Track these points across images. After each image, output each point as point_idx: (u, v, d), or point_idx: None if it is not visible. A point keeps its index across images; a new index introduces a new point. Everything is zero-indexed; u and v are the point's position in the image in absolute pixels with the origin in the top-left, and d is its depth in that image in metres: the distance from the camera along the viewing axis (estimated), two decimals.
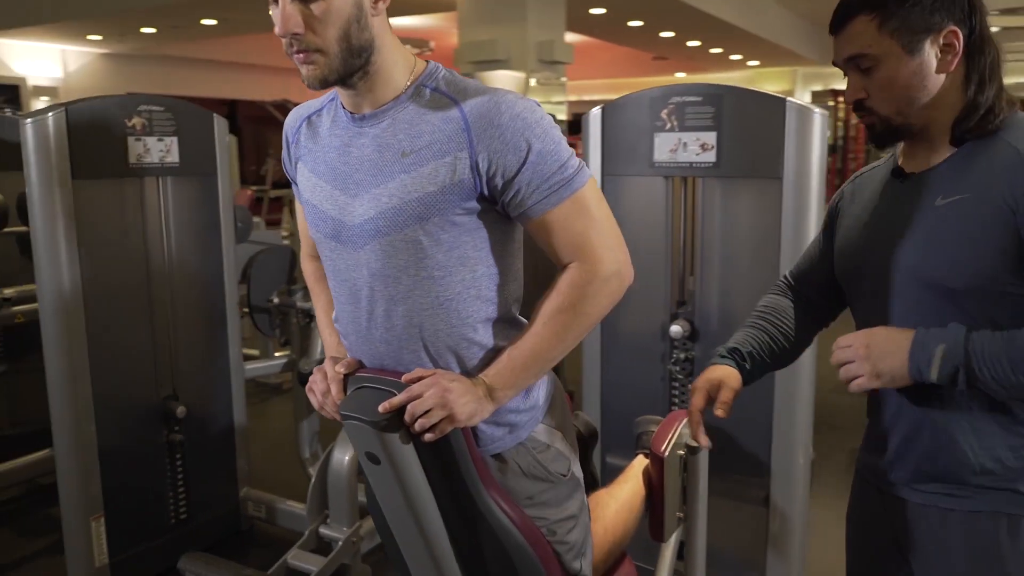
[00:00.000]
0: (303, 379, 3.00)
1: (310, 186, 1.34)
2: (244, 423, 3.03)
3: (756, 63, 14.26)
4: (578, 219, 1.23)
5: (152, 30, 9.64)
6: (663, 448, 1.79)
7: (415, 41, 10.64)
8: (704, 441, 1.43)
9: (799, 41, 11.73)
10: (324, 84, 1.20)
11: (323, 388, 1.32)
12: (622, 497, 1.76)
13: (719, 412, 1.35)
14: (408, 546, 1.40)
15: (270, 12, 1.17)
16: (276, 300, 3.20)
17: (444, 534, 1.34)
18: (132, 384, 2.64)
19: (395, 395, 1.21)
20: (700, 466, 1.82)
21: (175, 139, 2.65)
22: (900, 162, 1.28)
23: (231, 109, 12.78)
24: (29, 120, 2.31)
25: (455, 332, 1.26)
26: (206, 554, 2.57)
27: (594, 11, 8.34)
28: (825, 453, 3.66)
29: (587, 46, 10.97)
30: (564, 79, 7.47)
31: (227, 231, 2.87)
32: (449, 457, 1.27)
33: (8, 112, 3.49)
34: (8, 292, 3.18)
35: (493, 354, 1.28)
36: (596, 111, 2.45)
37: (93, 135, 2.43)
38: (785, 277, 1.56)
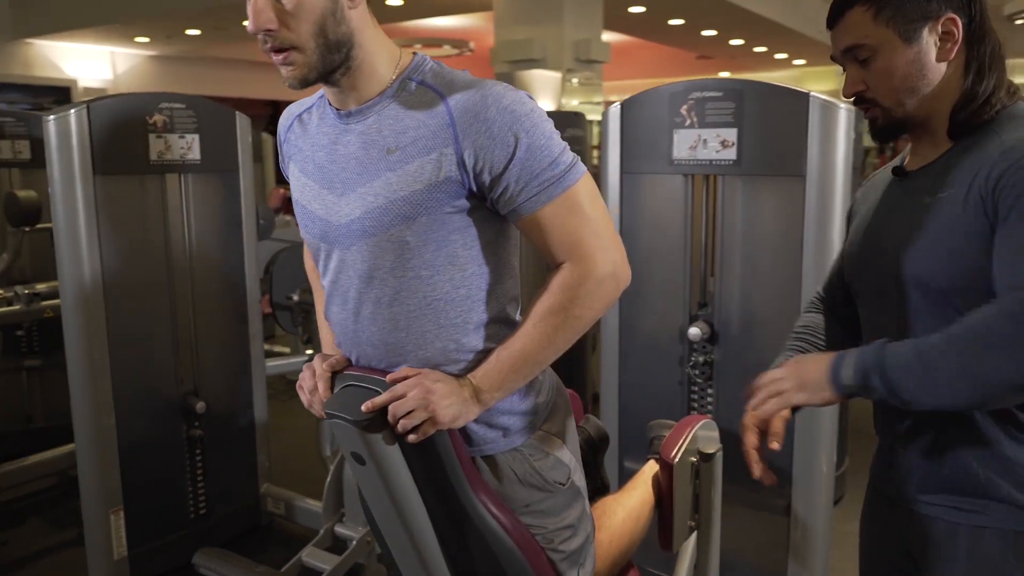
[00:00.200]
0: None
1: (299, 186, 1.31)
2: (265, 419, 3.04)
3: (802, 62, 13.98)
4: (571, 217, 1.18)
5: (197, 32, 9.83)
6: (672, 454, 1.73)
7: (455, 42, 10.66)
8: (769, 479, 1.33)
9: None
10: (305, 83, 1.17)
11: (311, 385, 1.30)
12: (629, 505, 1.71)
13: (773, 445, 1.28)
14: (397, 547, 1.37)
15: (247, 9, 1.15)
16: (296, 298, 3.21)
17: (432, 536, 1.31)
18: (152, 379, 2.67)
19: (379, 394, 1.19)
20: (714, 474, 1.76)
21: (196, 136, 2.67)
22: (907, 160, 1.24)
23: (274, 109, 13.00)
24: (52, 117, 2.35)
25: (444, 333, 1.22)
26: (221, 550, 2.58)
27: (633, 9, 8.25)
28: (865, 460, 3.54)
29: (629, 45, 10.88)
30: (599, 79, 7.41)
31: (249, 228, 2.88)
32: (435, 459, 1.23)
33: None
34: (40, 287, 3.24)
35: (484, 356, 1.24)
36: (615, 107, 2.40)
37: (115, 132, 2.46)
38: (818, 292, 1.51)
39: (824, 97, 2.09)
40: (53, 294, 3.28)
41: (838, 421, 2.32)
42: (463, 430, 1.26)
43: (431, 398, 1.17)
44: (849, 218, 1.39)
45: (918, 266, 1.12)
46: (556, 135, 1.19)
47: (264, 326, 3.33)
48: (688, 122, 2.25)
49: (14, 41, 9.61)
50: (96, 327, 2.46)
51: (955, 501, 1.15)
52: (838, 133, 2.09)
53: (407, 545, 1.33)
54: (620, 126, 2.38)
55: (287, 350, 5.04)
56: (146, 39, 10.22)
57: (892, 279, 1.16)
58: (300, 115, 1.34)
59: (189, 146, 2.65)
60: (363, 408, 1.18)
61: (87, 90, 10.67)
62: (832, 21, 1.18)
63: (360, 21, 1.18)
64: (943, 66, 1.13)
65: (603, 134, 2.42)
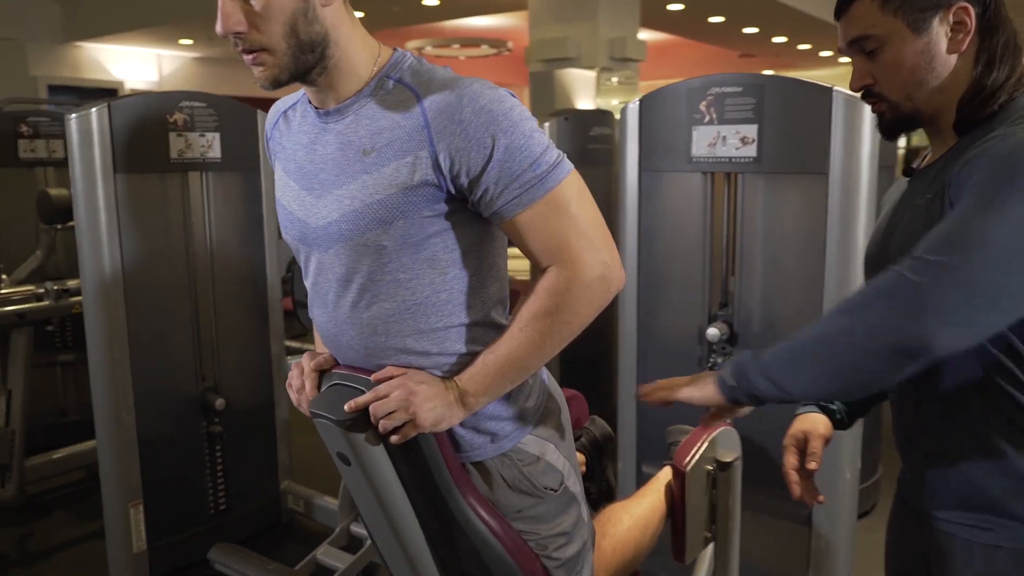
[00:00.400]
0: None
1: (281, 185, 1.28)
2: (286, 416, 3.05)
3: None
4: (555, 219, 1.13)
5: None
6: (686, 461, 1.68)
7: (493, 41, 10.65)
8: (813, 500, 1.31)
9: None
10: (277, 84, 1.13)
11: (299, 384, 1.28)
12: (637, 513, 1.66)
13: (811, 465, 1.27)
14: (386, 549, 1.35)
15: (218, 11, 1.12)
16: None
17: (420, 538, 1.28)
18: (172, 376, 2.69)
19: (363, 393, 1.16)
20: (732, 483, 1.70)
21: (217, 135, 2.68)
22: (926, 159, 1.18)
23: None
24: (73, 115, 2.38)
25: (424, 338, 1.19)
26: (236, 546, 2.59)
27: (672, 7, 8.14)
28: (898, 468, 3.43)
29: (671, 44, 10.74)
30: (636, 77, 7.32)
31: (270, 227, 2.89)
32: (421, 462, 1.21)
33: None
34: (71, 284, 3.30)
35: (470, 359, 1.20)
36: (634, 104, 2.35)
37: (135, 130, 2.48)
38: None
39: (848, 92, 2.01)
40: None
41: (863, 429, 2.24)
42: (451, 435, 1.23)
43: (413, 400, 1.14)
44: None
45: None
46: (538, 134, 1.13)
47: (292, 325, 3.35)
48: (707, 118, 2.19)
49: (64, 44, 9.85)
50: (117, 324, 2.49)
51: (969, 519, 1.10)
52: (863, 129, 2.01)
53: (394, 545, 1.31)
54: (639, 123, 2.33)
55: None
56: (190, 41, 10.40)
57: None
58: (286, 112, 1.30)
59: (210, 144, 2.67)
60: (346, 408, 1.15)
61: (133, 91, 10.91)
62: (839, 11, 1.13)
63: (335, 19, 1.14)
64: (953, 58, 1.07)
65: (621, 132, 2.38)
